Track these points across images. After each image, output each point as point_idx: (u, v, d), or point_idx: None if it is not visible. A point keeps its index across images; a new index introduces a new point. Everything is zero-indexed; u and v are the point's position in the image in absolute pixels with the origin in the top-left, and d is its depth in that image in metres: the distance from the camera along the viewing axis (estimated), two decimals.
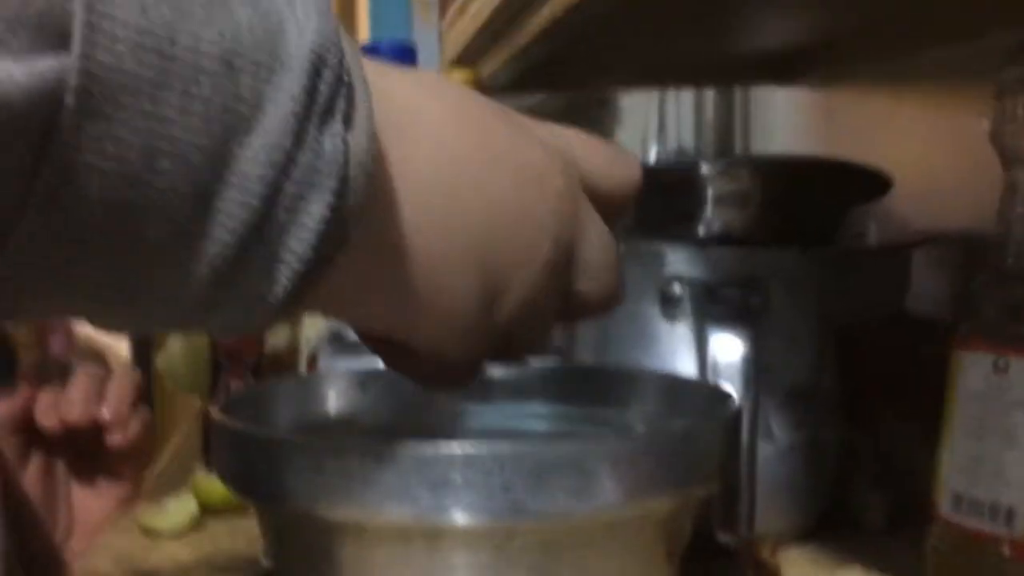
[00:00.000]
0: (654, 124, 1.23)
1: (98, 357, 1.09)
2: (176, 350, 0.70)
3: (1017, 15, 0.48)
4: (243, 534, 0.55)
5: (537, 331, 0.32)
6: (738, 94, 1.09)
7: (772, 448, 0.50)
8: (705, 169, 0.47)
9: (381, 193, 0.26)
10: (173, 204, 0.21)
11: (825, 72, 0.89)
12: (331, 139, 0.23)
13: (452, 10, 0.98)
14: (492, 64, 0.88)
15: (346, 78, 0.23)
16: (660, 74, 1.01)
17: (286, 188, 0.22)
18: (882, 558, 0.45)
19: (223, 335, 0.26)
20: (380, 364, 0.34)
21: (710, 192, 0.48)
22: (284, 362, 0.96)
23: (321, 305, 0.28)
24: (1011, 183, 0.39)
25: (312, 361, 0.73)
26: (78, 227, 0.21)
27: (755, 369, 0.47)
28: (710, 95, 1.13)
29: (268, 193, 0.22)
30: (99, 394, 0.63)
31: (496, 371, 0.32)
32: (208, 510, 0.58)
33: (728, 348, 0.48)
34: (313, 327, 0.69)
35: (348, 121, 0.23)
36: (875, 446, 0.59)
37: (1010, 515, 0.37)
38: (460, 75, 0.90)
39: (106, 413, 0.62)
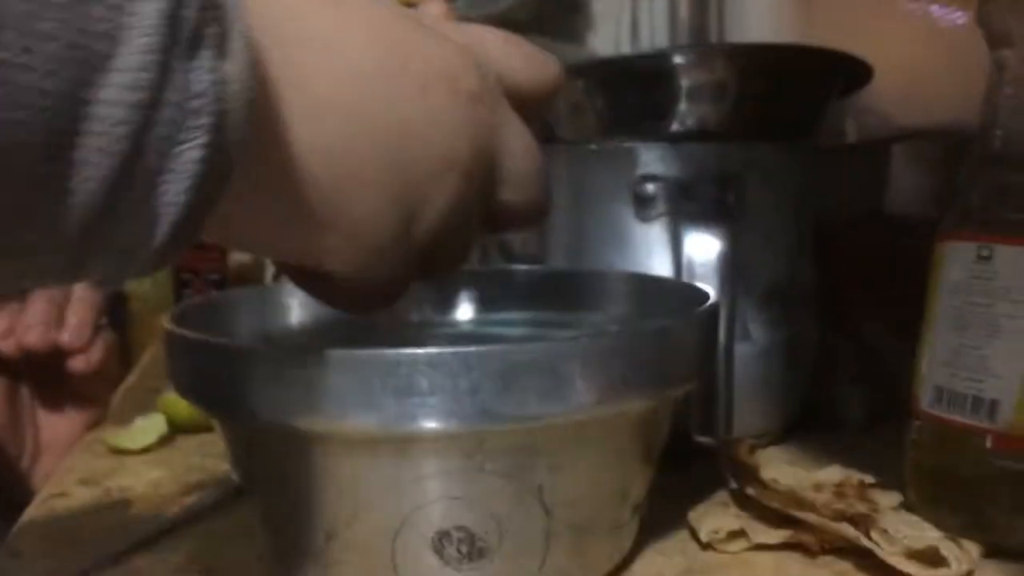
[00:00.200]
0: (627, 25, 1.20)
1: None
2: None
3: None
4: (212, 451, 0.54)
5: (460, 246, 0.31)
6: None
7: (750, 348, 0.49)
8: (677, 58, 0.45)
9: (267, 117, 0.24)
10: (24, 158, 0.19)
11: None
12: (202, 72, 0.21)
13: None
14: None
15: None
16: None
17: (154, 131, 0.20)
18: (861, 455, 0.45)
19: (104, 285, 0.24)
20: None
21: (683, 84, 0.46)
22: (249, 276, 0.94)
23: (211, 237, 0.26)
24: (998, 64, 0.38)
25: (278, 274, 0.72)
26: None
27: (732, 268, 0.46)
28: None
29: (133, 139, 0.20)
30: (59, 318, 0.61)
31: (418, 286, 0.30)
32: (177, 428, 0.57)
33: (704, 247, 0.46)
34: None
35: (221, 49, 0.21)
36: (854, 344, 0.58)
37: (993, 407, 0.37)
38: None
39: (66, 338, 0.60)
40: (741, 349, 0.48)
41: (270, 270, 0.69)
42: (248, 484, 0.36)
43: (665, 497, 0.40)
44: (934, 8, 0.70)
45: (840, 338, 0.58)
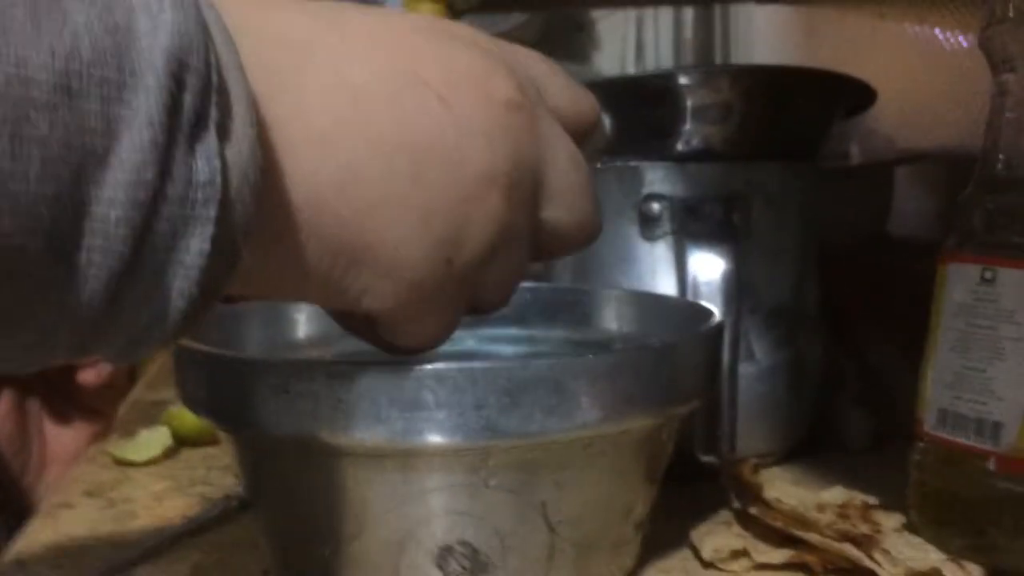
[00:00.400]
0: (632, 46, 1.21)
1: None
2: None
3: None
4: (217, 464, 0.54)
5: (508, 273, 0.28)
6: (717, 12, 1.07)
7: (754, 368, 0.49)
8: (684, 79, 0.45)
9: (274, 170, 0.22)
10: (24, 265, 0.18)
11: None
12: (205, 159, 0.20)
13: None
14: None
15: (215, 79, 0.20)
16: None
17: (157, 227, 0.19)
18: (865, 476, 0.45)
19: (116, 362, 0.24)
20: None
21: (688, 104, 0.46)
22: None
23: (235, 293, 0.25)
24: (1000, 88, 0.38)
25: None
26: None
27: (736, 288, 0.46)
28: (689, 13, 1.10)
29: (135, 237, 0.19)
30: None
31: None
32: (182, 441, 0.57)
33: (708, 267, 0.47)
34: None
35: (224, 131, 0.20)
36: (858, 366, 0.58)
37: (996, 429, 0.37)
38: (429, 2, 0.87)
39: None
40: (745, 369, 0.48)
41: None
42: (253, 496, 0.36)
43: (668, 515, 0.40)
44: (937, 32, 0.70)
45: (844, 359, 0.58)
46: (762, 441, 0.50)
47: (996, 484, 0.37)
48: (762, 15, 0.97)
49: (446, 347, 0.47)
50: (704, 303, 0.42)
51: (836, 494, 0.44)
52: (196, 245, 0.20)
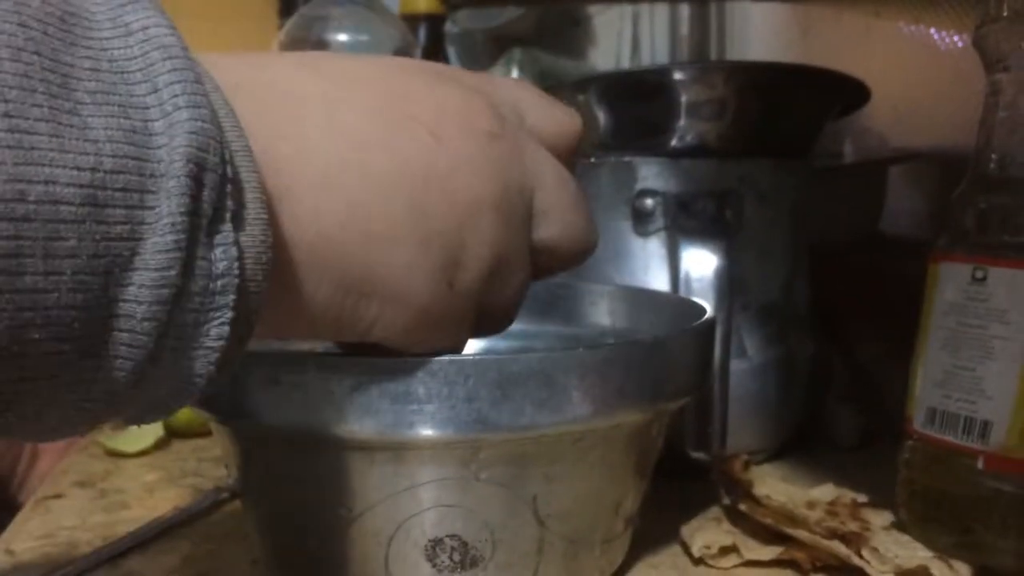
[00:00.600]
0: (628, 43, 1.21)
1: None
2: None
3: None
4: (208, 456, 0.54)
5: (509, 295, 0.30)
6: (713, 9, 1.07)
7: (745, 365, 0.49)
8: (678, 75, 0.45)
9: (277, 214, 0.23)
10: (53, 368, 0.19)
11: None
12: (223, 251, 0.20)
13: None
14: None
15: (230, 172, 0.21)
16: None
17: (179, 320, 0.20)
18: (854, 474, 0.45)
19: (131, 424, 0.24)
20: None
21: (683, 100, 0.46)
22: None
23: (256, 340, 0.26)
24: (993, 87, 0.38)
25: None
26: None
27: (728, 284, 0.46)
28: (685, 10, 1.10)
29: (159, 331, 0.20)
30: None
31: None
32: (173, 432, 0.57)
33: (701, 262, 0.47)
34: None
35: (238, 221, 0.21)
36: (849, 364, 0.58)
37: (985, 428, 0.37)
38: None
39: None
40: (736, 365, 0.48)
41: None
42: (244, 487, 0.36)
43: (658, 511, 0.40)
44: (932, 31, 0.70)
45: (835, 357, 0.58)
46: (752, 438, 0.50)
47: (984, 483, 0.37)
48: (758, 12, 0.97)
49: None
50: (696, 299, 0.42)
51: (825, 491, 0.44)
52: (215, 331, 0.21)
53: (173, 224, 0.19)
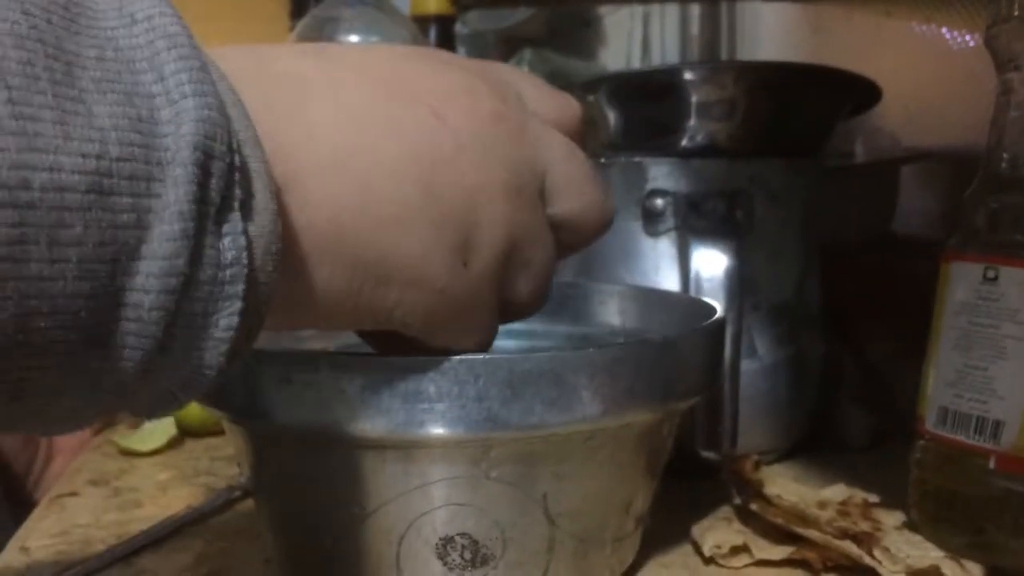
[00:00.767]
0: (638, 44, 1.21)
1: None
2: None
3: None
4: (221, 455, 0.54)
5: (534, 275, 0.29)
6: (724, 9, 1.07)
7: (756, 365, 0.49)
8: (688, 74, 0.46)
9: (288, 200, 0.23)
10: (60, 357, 0.19)
11: None
12: (231, 240, 0.20)
13: None
14: None
15: (238, 160, 0.20)
16: None
17: (188, 309, 0.20)
18: (866, 475, 0.45)
19: (143, 417, 0.24)
20: None
21: (693, 100, 0.46)
22: None
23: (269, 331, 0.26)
24: (1004, 86, 0.38)
25: None
26: None
27: (739, 284, 0.46)
28: (695, 10, 1.10)
29: (168, 320, 0.20)
30: None
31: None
32: (186, 431, 0.57)
33: (711, 262, 0.47)
34: None
35: (247, 210, 0.21)
36: (860, 364, 0.58)
37: (997, 428, 0.37)
38: None
39: None
40: (747, 365, 0.48)
41: None
42: (256, 486, 0.36)
43: (669, 511, 0.40)
44: (944, 31, 0.70)
45: (846, 358, 0.58)
46: (763, 438, 0.50)
47: (996, 483, 0.37)
48: (769, 12, 0.97)
49: None
50: (706, 298, 0.42)
51: (837, 491, 0.44)
52: (225, 321, 0.21)
53: (180, 212, 0.19)
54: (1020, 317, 0.37)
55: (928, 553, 0.38)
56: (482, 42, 1.22)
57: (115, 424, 0.62)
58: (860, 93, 0.51)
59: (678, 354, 0.34)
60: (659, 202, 0.48)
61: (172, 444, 0.56)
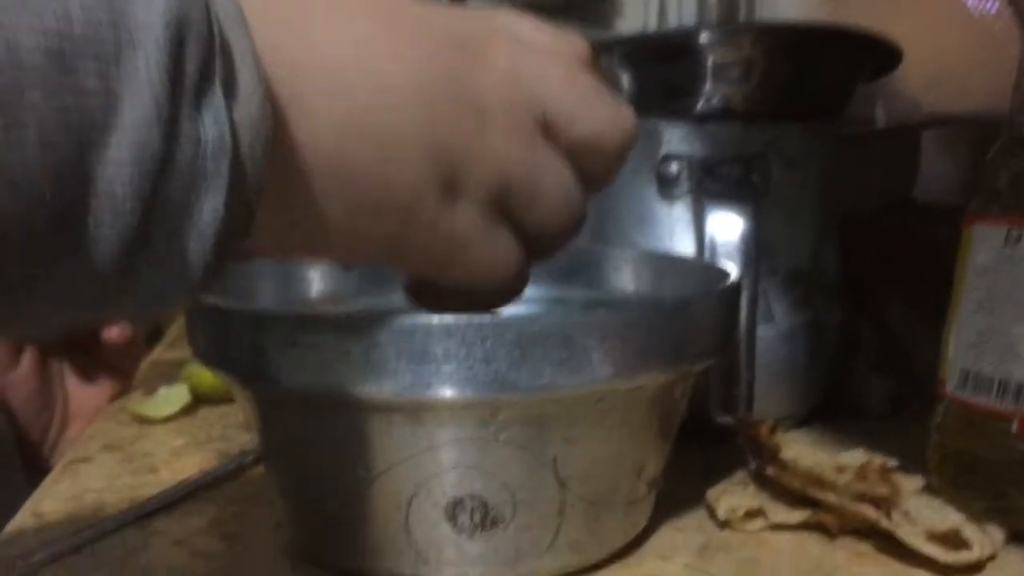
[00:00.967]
0: (655, 13, 1.19)
1: None
2: None
3: None
4: (234, 422, 0.54)
5: (548, 210, 0.28)
6: None
7: (773, 330, 0.48)
8: (704, 36, 0.45)
9: (285, 126, 0.22)
10: (28, 240, 0.18)
11: None
12: (212, 120, 0.19)
13: None
14: None
15: (218, 36, 0.19)
16: None
17: (166, 192, 0.19)
18: (884, 441, 0.44)
19: (134, 323, 0.23)
20: None
21: (709, 62, 0.45)
22: None
23: (258, 254, 0.25)
24: None
25: None
26: None
27: (755, 249, 0.46)
28: None
29: (144, 203, 0.18)
30: None
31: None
32: (200, 399, 0.57)
33: (727, 227, 0.46)
34: None
35: (230, 90, 0.20)
36: (878, 330, 0.57)
37: (1019, 391, 0.36)
38: None
39: None
40: (764, 331, 0.47)
41: None
42: (265, 449, 0.36)
43: (683, 475, 0.39)
44: None
45: (865, 324, 0.57)
46: (779, 404, 0.49)
47: (1018, 446, 0.36)
48: None
49: None
50: (722, 263, 0.41)
51: (855, 456, 0.43)
52: (209, 208, 0.20)
53: (151, 82, 0.18)
54: None
55: (948, 516, 0.37)
56: None
57: (129, 392, 0.62)
58: (880, 55, 0.50)
59: (689, 317, 0.33)
60: (674, 166, 0.47)
61: (186, 411, 0.56)
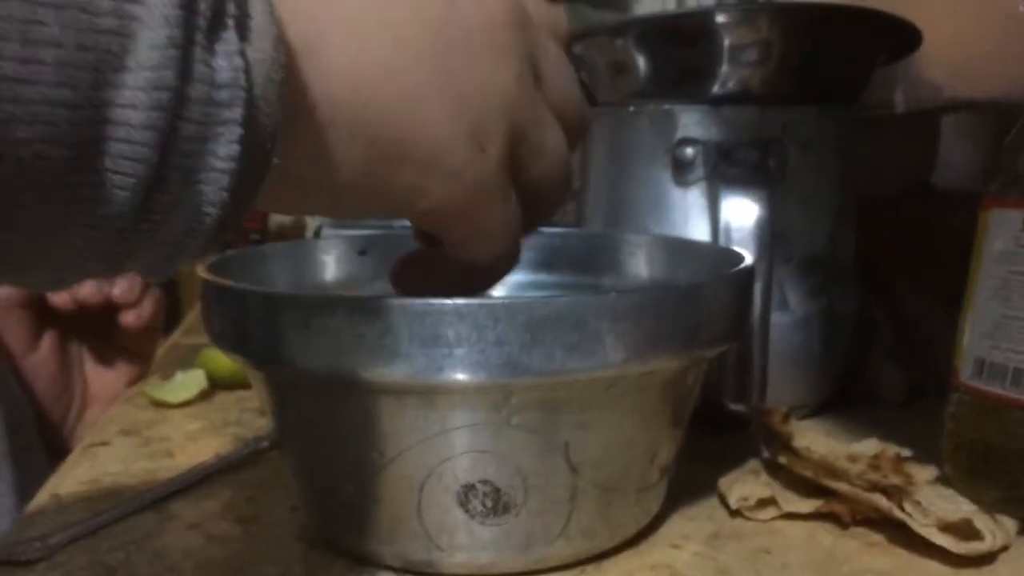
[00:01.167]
0: None
1: None
2: None
3: None
4: (250, 407, 0.55)
5: (549, 162, 0.29)
6: None
7: (788, 318, 0.48)
8: (720, 17, 0.44)
9: (301, 72, 0.22)
10: (47, 172, 0.18)
11: None
12: (226, 59, 0.19)
13: None
14: None
15: None
16: None
17: (181, 131, 0.19)
18: (898, 431, 0.44)
19: (150, 277, 0.23)
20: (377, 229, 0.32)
21: (725, 44, 0.45)
22: (289, 235, 0.95)
23: (268, 207, 0.25)
24: None
25: (318, 234, 0.72)
26: None
27: (769, 235, 0.45)
28: None
29: (160, 142, 0.19)
30: None
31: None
32: (216, 384, 0.58)
33: (742, 212, 0.46)
34: None
35: (243, 30, 0.20)
36: (893, 319, 0.57)
37: None
38: None
39: (117, 292, 0.62)
40: (778, 318, 0.47)
41: (310, 230, 0.70)
42: (280, 434, 0.36)
43: (695, 463, 0.39)
44: None
45: (880, 312, 0.57)
46: (794, 392, 0.49)
47: None
48: None
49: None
50: (737, 248, 0.41)
51: (868, 445, 0.43)
52: (224, 149, 0.20)
53: (166, 17, 0.18)
54: None
55: (960, 507, 0.37)
56: None
57: (146, 377, 0.63)
58: (899, 37, 0.49)
59: (702, 301, 0.33)
60: (689, 151, 0.47)
61: (203, 396, 0.56)
